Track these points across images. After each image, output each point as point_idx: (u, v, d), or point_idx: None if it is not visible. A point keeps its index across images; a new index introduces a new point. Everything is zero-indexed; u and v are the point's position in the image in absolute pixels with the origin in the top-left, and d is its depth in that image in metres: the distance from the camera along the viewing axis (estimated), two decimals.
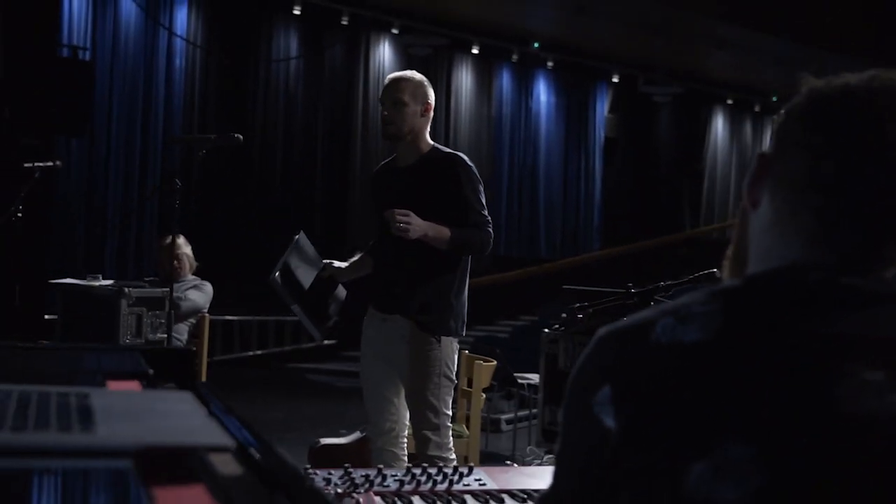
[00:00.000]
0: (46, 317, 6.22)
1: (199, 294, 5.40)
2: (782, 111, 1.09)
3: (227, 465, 0.85)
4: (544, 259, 14.13)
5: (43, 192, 6.19)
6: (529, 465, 3.67)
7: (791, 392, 0.90)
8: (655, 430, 0.93)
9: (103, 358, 1.43)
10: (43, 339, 5.78)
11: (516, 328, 12.01)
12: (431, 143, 3.61)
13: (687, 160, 16.56)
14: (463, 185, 3.47)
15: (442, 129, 13.06)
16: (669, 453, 0.91)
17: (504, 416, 7.56)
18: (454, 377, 3.55)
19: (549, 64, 14.18)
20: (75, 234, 9.67)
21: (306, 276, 3.65)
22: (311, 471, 1.88)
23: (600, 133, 15.60)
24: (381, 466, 1.86)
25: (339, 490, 1.76)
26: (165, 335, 4.49)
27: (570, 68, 14.55)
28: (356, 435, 4.36)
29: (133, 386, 1.32)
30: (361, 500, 1.73)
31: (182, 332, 5.21)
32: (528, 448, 5.65)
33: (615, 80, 15.00)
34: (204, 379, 3.29)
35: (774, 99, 16.95)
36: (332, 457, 4.12)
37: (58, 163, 4.79)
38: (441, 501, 1.74)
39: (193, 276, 5.50)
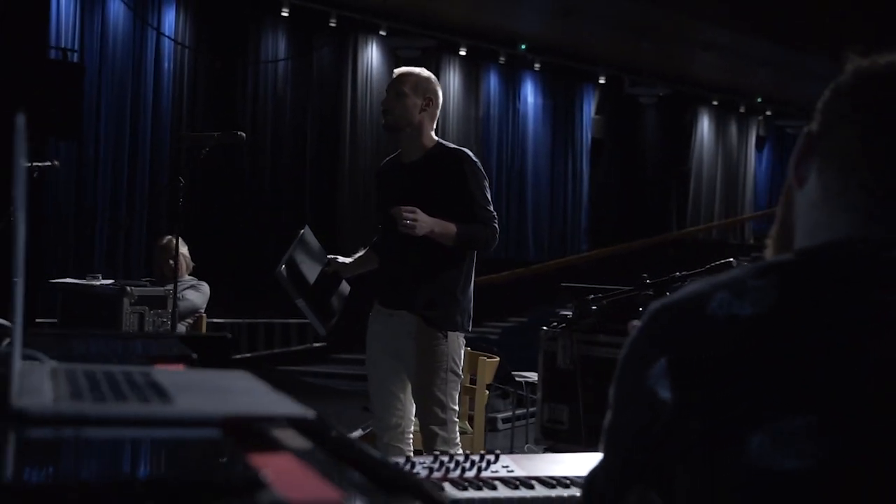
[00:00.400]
0: (44, 317, 6.17)
1: (197, 294, 5.40)
2: (829, 89, 1.11)
3: (307, 435, 0.86)
4: (532, 261, 14.14)
5: (34, 193, 6.15)
6: None
7: (851, 362, 0.91)
8: (713, 402, 0.94)
9: (145, 344, 1.44)
10: None
11: (506, 329, 12.01)
12: (436, 138, 3.62)
13: (673, 161, 16.62)
14: (468, 181, 3.49)
15: None
16: (728, 425, 0.92)
17: (500, 415, 7.58)
18: (461, 372, 3.57)
19: (536, 66, 14.21)
20: (66, 234, 9.61)
21: (311, 271, 3.66)
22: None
23: (587, 134, 15.63)
24: (410, 455, 1.87)
25: None
26: None
27: (556, 70, 14.59)
28: (358, 432, 4.36)
29: (181, 368, 1.33)
30: None
31: (180, 332, 5.20)
32: (526, 446, 5.65)
33: (602, 81, 15.05)
34: None
35: (759, 100, 17.07)
36: None
37: (55, 163, 4.76)
38: (473, 488, 1.75)
39: (190, 277, 5.49)
